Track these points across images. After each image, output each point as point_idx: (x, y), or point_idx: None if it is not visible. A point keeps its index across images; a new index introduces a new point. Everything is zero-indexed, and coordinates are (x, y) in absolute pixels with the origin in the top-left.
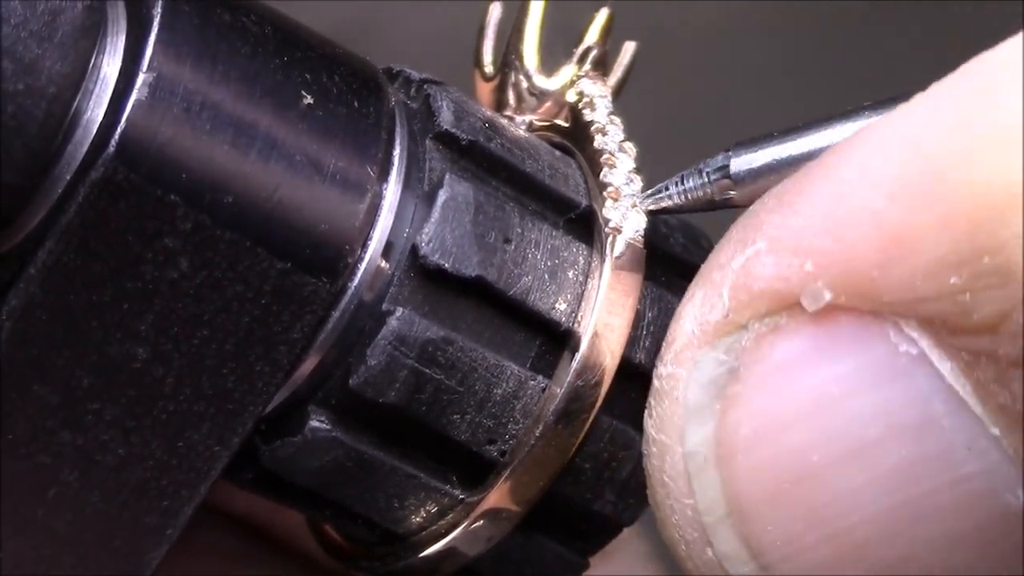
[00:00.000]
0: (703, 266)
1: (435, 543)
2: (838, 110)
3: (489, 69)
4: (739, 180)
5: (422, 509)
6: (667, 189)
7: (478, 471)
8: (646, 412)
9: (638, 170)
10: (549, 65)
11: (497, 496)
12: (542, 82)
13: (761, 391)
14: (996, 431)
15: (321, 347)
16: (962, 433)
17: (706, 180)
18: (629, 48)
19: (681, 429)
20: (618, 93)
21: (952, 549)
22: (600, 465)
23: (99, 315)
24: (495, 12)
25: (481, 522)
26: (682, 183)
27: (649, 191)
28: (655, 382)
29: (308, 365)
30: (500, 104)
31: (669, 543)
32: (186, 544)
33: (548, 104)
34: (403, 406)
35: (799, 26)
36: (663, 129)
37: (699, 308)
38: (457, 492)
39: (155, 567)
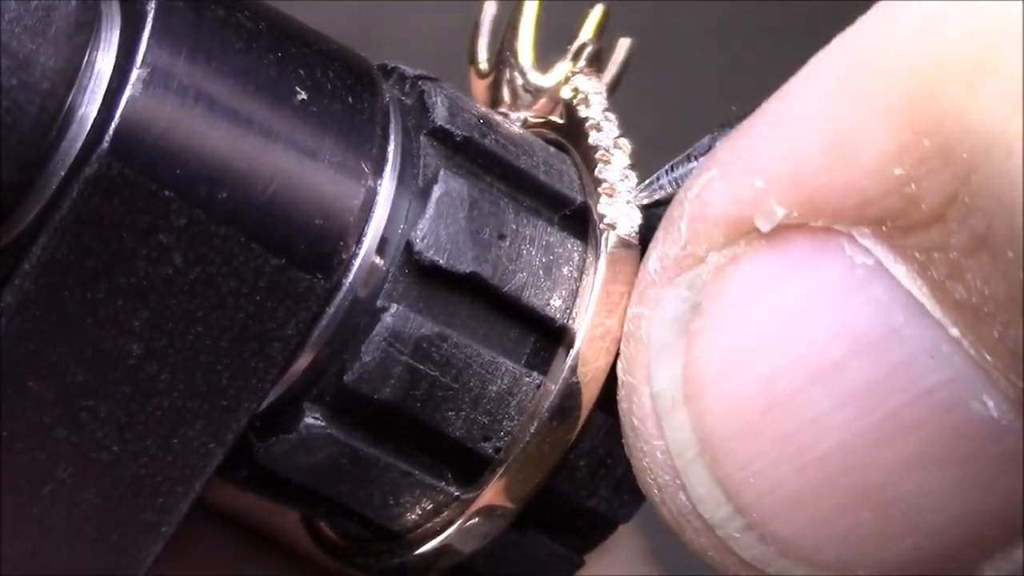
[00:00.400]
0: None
1: (430, 540)
2: None
3: (484, 66)
4: None
5: (417, 506)
6: (658, 180)
7: (473, 468)
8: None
9: (633, 166)
10: (544, 62)
11: (492, 493)
12: (537, 79)
13: (724, 323)
14: (956, 332)
15: (316, 344)
16: (923, 340)
17: (696, 165)
18: (624, 44)
19: (647, 368)
20: (613, 89)
21: (927, 469)
22: (595, 462)
23: (93, 311)
24: (490, 9)
25: (476, 519)
26: (672, 171)
27: (642, 184)
28: (624, 325)
29: (303, 362)
30: (495, 101)
31: (643, 489)
32: (184, 546)
33: (543, 101)
34: (398, 403)
35: (797, 23)
36: (660, 126)
37: (660, 246)
38: (452, 489)
39: (151, 563)
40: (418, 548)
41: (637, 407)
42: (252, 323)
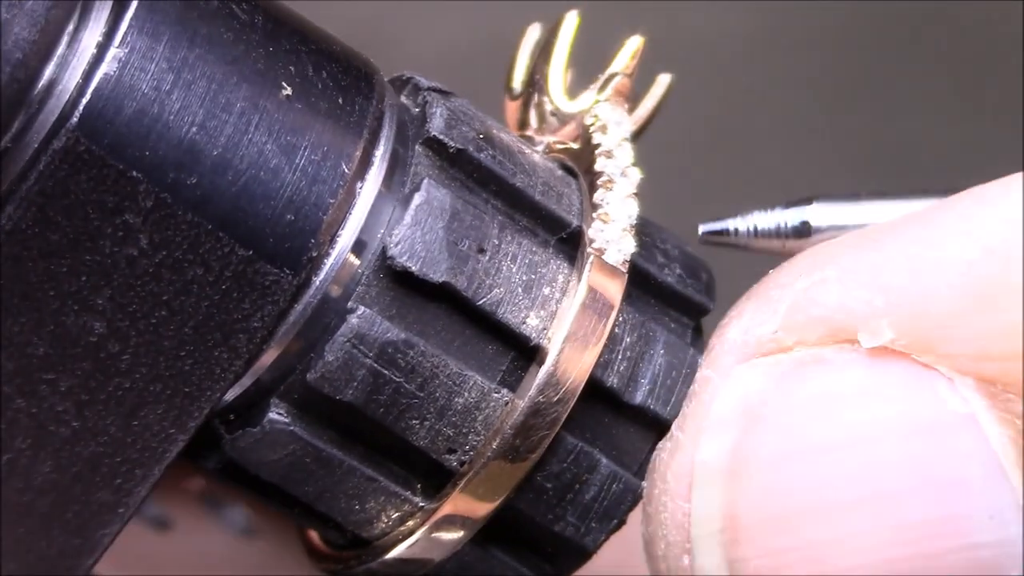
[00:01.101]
0: (759, 284)
1: (393, 549)
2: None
3: (516, 88)
4: (816, 232)
5: (383, 513)
6: (735, 230)
7: (439, 480)
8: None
9: (636, 195)
10: (580, 89)
11: (452, 506)
12: (564, 104)
13: (790, 419)
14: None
15: (283, 339)
16: (989, 500)
17: (782, 228)
18: (663, 81)
19: (699, 433)
20: (647, 124)
21: None
22: (563, 486)
23: (56, 285)
24: (532, 33)
25: (437, 531)
26: (754, 227)
27: (714, 221)
28: (693, 384)
29: (270, 355)
30: (523, 124)
31: (648, 539)
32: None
33: (569, 127)
34: (360, 406)
35: (810, 36)
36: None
37: (748, 320)
38: (417, 499)
39: (107, 544)
40: (383, 555)
41: (677, 464)
42: (217, 312)
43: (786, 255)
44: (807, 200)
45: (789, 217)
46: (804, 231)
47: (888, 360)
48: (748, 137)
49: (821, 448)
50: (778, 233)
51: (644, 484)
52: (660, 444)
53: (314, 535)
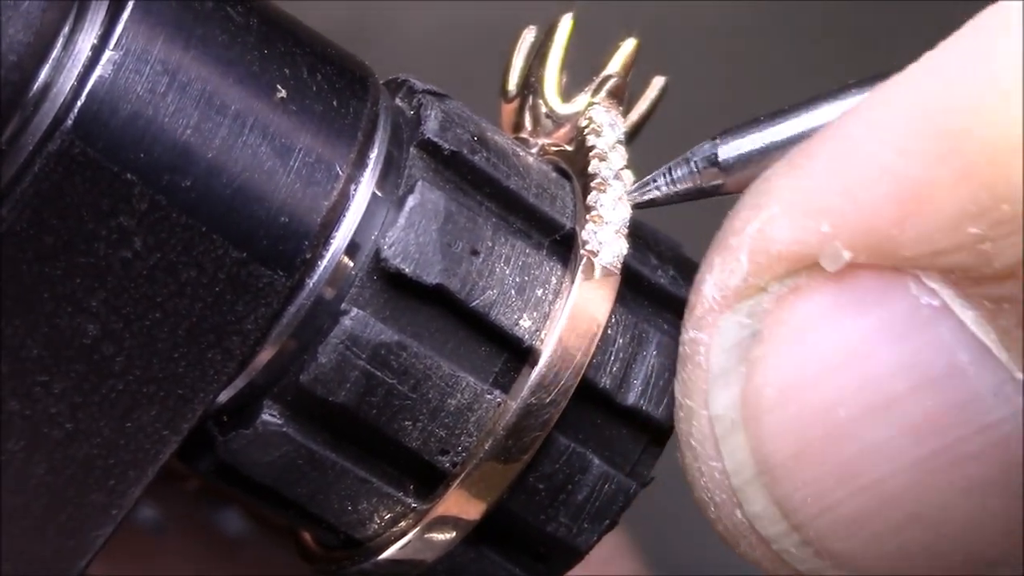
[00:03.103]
0: (719, 233)
1: (386, 550)
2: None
3: (511, 91)
4: (728, 168)
5: (375, 515)
6: (654, 181)
7: (432, 481)
8: (676, 377)
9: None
10: (574, 92)
11: (445, 507)
12: (558, 107)
13: (785, 351)
14: (1021, 375)
15: (276, 340)
16: (988, 380)
17: (694, 169)
18: (657, 83)
19: (706, 393)
20: (640, 126)
21: (983, 497)
22: (555, 487)
23: (51, 287)
24: (528, 36)
25: (430, 532)
26: (669, 174)
27: (636, 183)
28: (680, 348)
29: (263, 357)
30: (518, 126)
31: (699, 505)
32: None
33: (564, 130)
34: (353, 407)
35: (800, 25)
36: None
37: (718, 273)
38: (410, 500)
39: (100, 545)
40: (375, 556)
41: (696, 429)
42: (211, 314)
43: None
44: (712, 140)
45: (698, 155)
46: (715, 165)
47: (857, 274)
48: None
49: (820, 372)
50: (693, 176)
51: (635, 484)
52: (676, 415)
53: (307, 536)
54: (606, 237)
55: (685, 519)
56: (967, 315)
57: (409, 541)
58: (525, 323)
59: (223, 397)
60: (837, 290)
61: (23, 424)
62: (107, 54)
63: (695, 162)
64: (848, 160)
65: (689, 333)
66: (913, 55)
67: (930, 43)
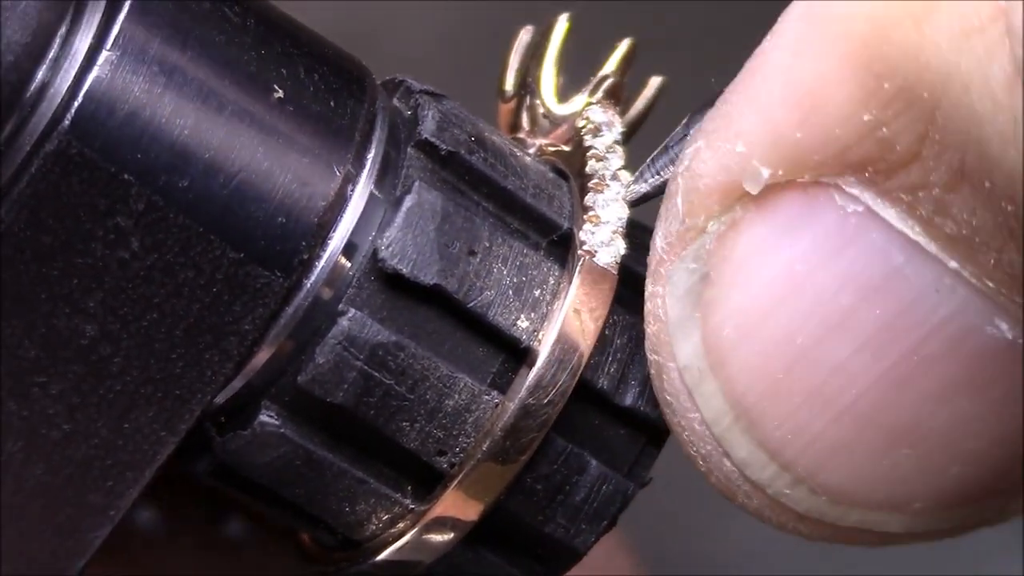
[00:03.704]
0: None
1: (384, 550)
2: None
3: (508, 91)
4: None
5: (373, 516)
6: (642, 176)
7: (428, 481)
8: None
9: (624, 197)
10: (572, 93)
11: (443, 508)
12: (555, 107)
13: (733, 289)
14: (955, 264)
15: (274, 341)
16: (926, 277)
17: (673, 156)
18: (654, 83)
19: (670, 345)
20: (638, 126)
21: (955, 398)
22: (553, 488)
23: (48, 288)
24: (524, 37)
25: (428, 533)
26: (653, 165)
27: (629, 182)
28: (645, 304)
29: (261, 358)
30: (515, 127)
31: (690, 460)
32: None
33: (561, 130)
34: (351, 408)
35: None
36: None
37: (663, 224)
38: (408, 501)
39: (97, 546)
40: (374, 557)
41: (668, 384)
42: (208, 314)
43: None
44: (683, 123)
45: (674, 141)
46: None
47: (781, 195)
48: None
49: (770, 303)
50: (673, 161)
51: (633, 485)
52: (651, 376)
53: (306, 538)
54: (604, 237)
55: (684, 518)
56: (889, 213)
57: (407, 542)
58: (523, 324)
59: (221, 398)
60: (769, 217)
61: (21, 424)
62: (104, 54)
63: (672, 148)
64: (756, 76)
65: (648, 288)
66: None
67: None
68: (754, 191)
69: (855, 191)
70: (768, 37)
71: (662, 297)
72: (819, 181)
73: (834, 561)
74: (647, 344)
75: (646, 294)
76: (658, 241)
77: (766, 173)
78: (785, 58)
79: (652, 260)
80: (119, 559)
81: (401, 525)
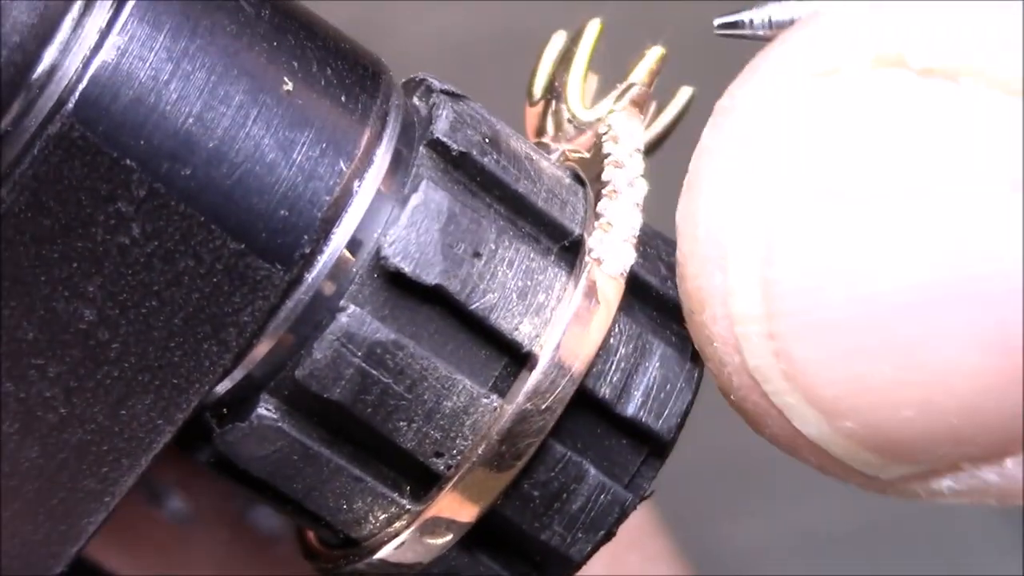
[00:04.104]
0: None
1: (381, 549)
2: None
3: (536, 94)
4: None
5: (371, 514)
6: (750, 20)
7: (426, 482)
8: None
9: (638, 206)
10: (603, 95)
11: (439, 509)
12: (581, 113)
13: (841, 133)
14: None
15: (274, 334)
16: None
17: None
18: (685, 93)
19: (742, 146)
20: (665, 137)
21: (967, 348)
22: (550, 495)
23: (48, 270)
24: (556, 41)
25: (424, 534)
26: (764, 15)
27: (726, 16)
28: (722, 102)
29: (261, 350)
30: (540, 131)
31: (680, 256)
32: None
33: (586, 136)
34: (348, 405)
35: None
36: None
37: (793, 42)
38: (404, 501)
39: (92, 532)
40: (370, 556)
41: (714, 171)
42: (208, 304)
43: None
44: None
45: (802, 8)
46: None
47: (931, 78)
48: None
49: (869, 162)
50: (792, 25)
51: (632, 496)
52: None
53: (310, 535)
54: (613, 245)
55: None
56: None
57: (404, 542)
58: (525, 328)
59: (221, 389)
60: (917, 92)
61: (17, 406)
62: (111, 39)
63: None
64: None
65: (740, 89)
66: None
67: None
68: (915, 66)
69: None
70: None
71: (759, 102)
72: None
73: (833, 561)
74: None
75: (725, 104)
76: (777, 52)
77: (938, 61)
78: None
79: (761, 68)
80: (150, 551)
81: (398, 525)
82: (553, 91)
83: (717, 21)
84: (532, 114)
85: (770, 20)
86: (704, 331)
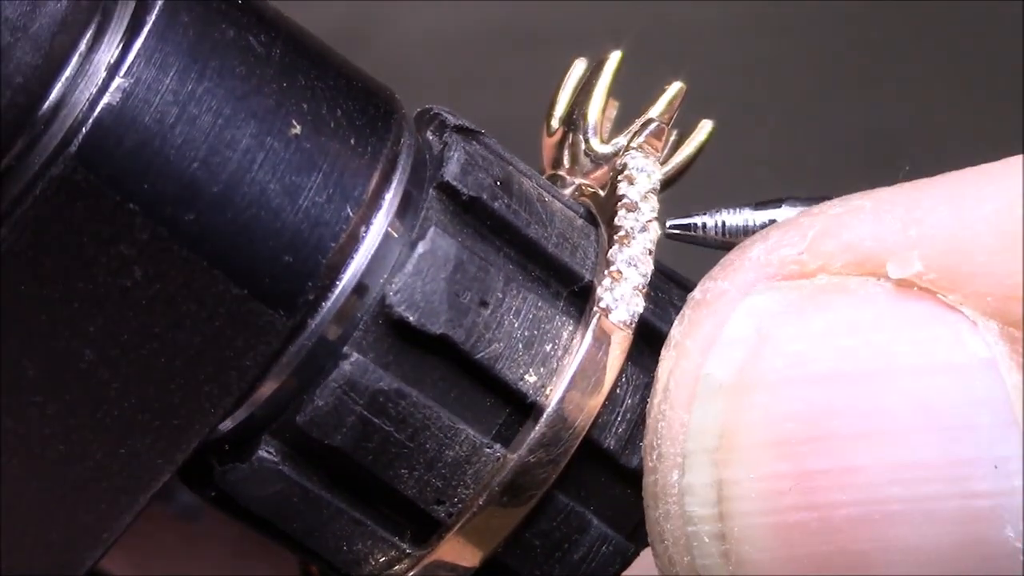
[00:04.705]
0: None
1: None
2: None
3: (554, 125)
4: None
5: (371, 556)
6: (702, 224)
7: (427, 529)
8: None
9: (650, 252)
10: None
11: (439, 554)
12: (597, 147)
13: (805, 343)
14: None
15: (278, 376)
16: (997, 450)
17: (750, 226)
18: (705, 127)
19: (709, 346)
20: (683, 171)
21: (927, 564)
22: (552, 544)
23: (48, 309)
24: (577, 68)
25: None
26: (717, 220)
27: (679, 219)
28: (695, 293)
29: (265, 391)
30: (557, 162)
31: (644, 450)
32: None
33: (602, 170)
34: (349, 451)
35: (799, 26)
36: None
37: (773, 241)
38: (405, 545)
39: (89, 568)
40: None
41: (681, 373)
42: (209, 348)
43: None
44: (777, 202)
45: (757, 217)
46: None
47: (912, 296)
48: (743, 131)
49: (831, 376)
50: (745, 232)
51: (634, 547)
52: (663, 353)
53: (314, 569)
54: (623, 294)
55: None
56: (1011, 378)
57: None
58: (531, 378)
59: (223, 427)
60: (886, 305)
61: (16, 442)
62: (116, 81)
63: (753, 223)
64: (966, 186)
65: (718, 282)
66: (919, 57)
67: (931, 44)
68: (893, 276)
69: (992, 338)
70: (993, 170)
71: (731, 300)
72: (958, 308)
73: None
74: (679, 328)
75: (708, 285)
76: (757, 252)
77: (919, 268)
78: (1013, 192)
79: (741, 261)
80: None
81: (399, 568)
82: (571, 122)
83: (669, 223)
84: (549, 144)
85: (723, 225)
86: (656, 527)
